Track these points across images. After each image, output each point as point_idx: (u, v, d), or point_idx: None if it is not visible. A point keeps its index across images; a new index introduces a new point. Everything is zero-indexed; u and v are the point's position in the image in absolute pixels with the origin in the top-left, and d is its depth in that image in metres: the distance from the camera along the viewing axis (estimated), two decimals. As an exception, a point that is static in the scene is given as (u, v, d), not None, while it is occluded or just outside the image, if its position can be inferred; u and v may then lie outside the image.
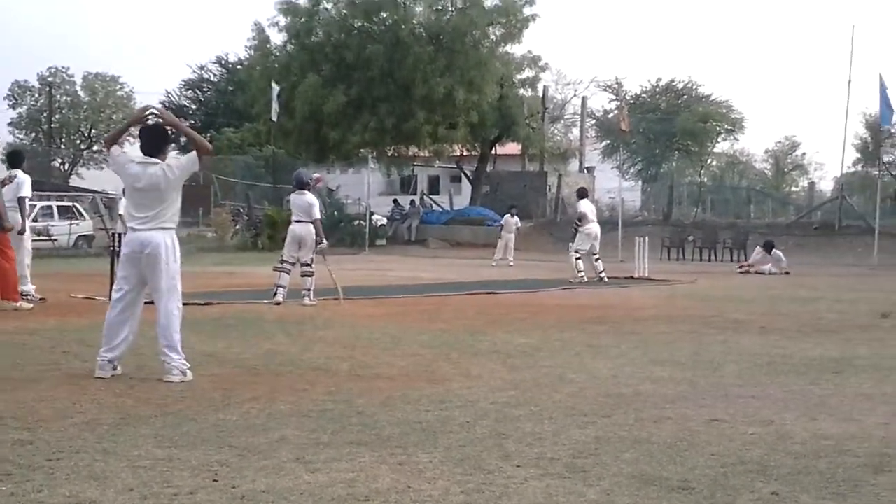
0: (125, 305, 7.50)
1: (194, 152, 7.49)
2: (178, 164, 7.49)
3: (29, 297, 12.69)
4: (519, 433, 5.73)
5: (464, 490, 4.56)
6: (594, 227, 20.33)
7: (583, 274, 19.68)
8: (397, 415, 6.19)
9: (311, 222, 13.74)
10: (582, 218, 20.23)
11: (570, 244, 20.40)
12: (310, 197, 13.95)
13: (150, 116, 7.70)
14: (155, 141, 7.55)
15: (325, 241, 14.08)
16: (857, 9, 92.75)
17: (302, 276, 13.68)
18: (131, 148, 7.69)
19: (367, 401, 6.64)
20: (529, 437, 5.62)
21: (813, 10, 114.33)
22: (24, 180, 13.03)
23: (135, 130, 7.92)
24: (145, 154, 7.49)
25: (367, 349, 9.25)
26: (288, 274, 13.67)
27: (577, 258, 19.86)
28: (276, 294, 13.50)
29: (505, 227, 27.66)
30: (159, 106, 8.63)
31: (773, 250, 24.26)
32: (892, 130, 52.02)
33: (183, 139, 7.63)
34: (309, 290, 13.64)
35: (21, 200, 12.92)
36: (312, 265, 13.76)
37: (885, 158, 53.65)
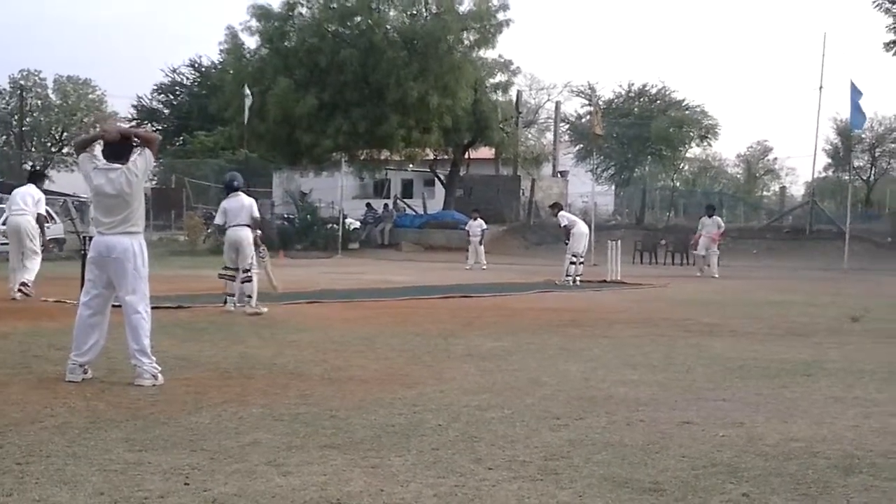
0: (94, 309, 7.48)
1: (146, 150, 7.50)
2: (136, 165, 7.46)
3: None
4: (491, 436, 5.73)
5: (436, 493, 4.56)
6: (584, 227, 20.69)
7: (570, 278, 19.79)
8: (370, 418, 6.19)
9: (249, 225, 13.01)
10: (568, 232, 20.36)
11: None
12: (244, 199, 13.17)
13: (106, 136, 7.67)
14: (118, 149, 7.50)
15: (265, 249, 13.54)
16: (829, 16, 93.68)
17: (241, 282, 12.93)
18: (99, 149, 7.65)
19: (339, 404, 6.63)
20: (502, 440, 5.63)
21: (785, 17, 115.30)
22: (40, 197, 14.88)
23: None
24: (109, 161, 7.48)
25: (339, 352, 9.23)
26: (233, 280, 13.03)
27: (571, 262, 20.00)
28: (225, 302, 13.06)
29: (471, 232, 27.84)
30: (115, 126, 8.66)
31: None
32: (863, 136, 52.58)
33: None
34: (250, 296, 12.88)
35: (39, 217, 14.63)
36: (252, 271, 12.93)
37: (856, 164, 54.28)
